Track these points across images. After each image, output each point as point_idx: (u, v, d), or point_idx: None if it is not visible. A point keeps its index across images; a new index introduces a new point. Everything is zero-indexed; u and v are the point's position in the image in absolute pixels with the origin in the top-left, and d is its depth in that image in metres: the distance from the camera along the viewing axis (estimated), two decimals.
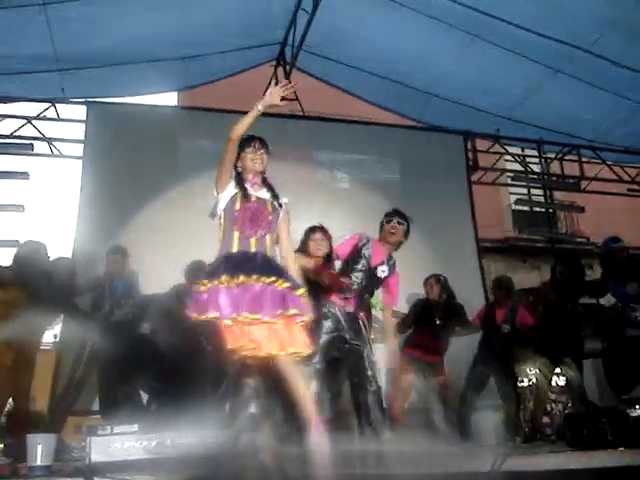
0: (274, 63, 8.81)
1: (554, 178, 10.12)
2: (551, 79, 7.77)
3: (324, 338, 4.56)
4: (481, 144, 9.62)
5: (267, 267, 3.28)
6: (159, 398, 5.35)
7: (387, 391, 5.89)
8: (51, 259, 5.48)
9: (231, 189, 3.45)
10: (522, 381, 6.60)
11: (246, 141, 3.53)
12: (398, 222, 4.78)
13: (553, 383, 6.79)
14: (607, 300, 6.73)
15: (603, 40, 6.98)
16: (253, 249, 3.32)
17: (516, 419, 6.40)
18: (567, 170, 10.06)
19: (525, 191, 10.93)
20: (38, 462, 3.47)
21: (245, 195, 3.42)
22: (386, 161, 8.84)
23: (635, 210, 11.82)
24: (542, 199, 10.45)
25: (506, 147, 9.80)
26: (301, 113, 8.91)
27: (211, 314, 3.10)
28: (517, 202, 10.67)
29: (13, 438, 5.01)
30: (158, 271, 6.22)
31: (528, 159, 10.10)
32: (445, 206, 8.48)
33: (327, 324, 4.61)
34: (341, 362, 4.62)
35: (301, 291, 3.31)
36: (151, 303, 5.47)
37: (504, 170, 10.06)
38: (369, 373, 4.51)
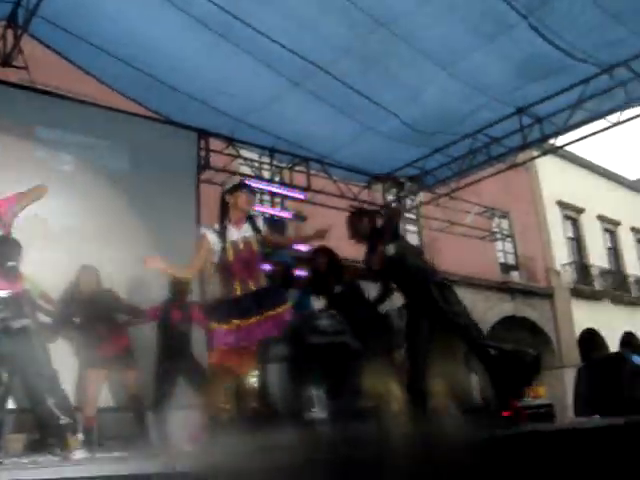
0: (5, 23, 7.96)
1: (282, 186, 10.48)
2: (290, 92, 8.06)
3: None
4: (218, 145, 9.66)
5: None
6: None
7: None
8: None
9: None
10: None
11: None
12: None
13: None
14: None
15: (340, 63, 7.45)
16: None
17: None
18: (299, 182, 10.47)
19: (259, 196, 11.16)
20: None
21: None
22: (117, 148, 8.31)
23: None
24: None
25: (242, 151, 9.93)
26: (30, 84, 8.13)
27: None
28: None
29: None
30: None
31: (263, 166, 10.35)
32: (172, 202, 8.29)
33: None
34: None
35: None
36: None
37: (234, 172, 10.16)
38: None
